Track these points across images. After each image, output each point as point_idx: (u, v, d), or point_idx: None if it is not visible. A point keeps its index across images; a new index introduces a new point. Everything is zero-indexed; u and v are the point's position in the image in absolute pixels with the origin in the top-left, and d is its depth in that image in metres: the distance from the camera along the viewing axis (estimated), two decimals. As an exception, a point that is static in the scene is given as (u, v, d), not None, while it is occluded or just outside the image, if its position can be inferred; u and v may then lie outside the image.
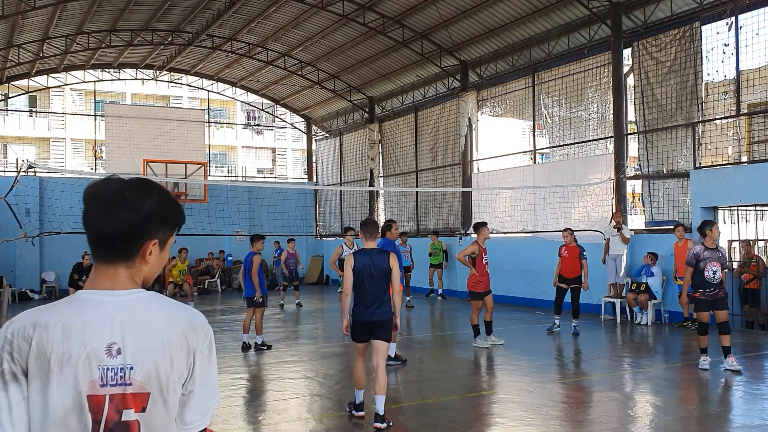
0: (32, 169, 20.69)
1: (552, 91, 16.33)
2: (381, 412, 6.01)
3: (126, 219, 1.66)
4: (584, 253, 11.71)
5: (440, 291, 18.37)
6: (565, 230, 12.08)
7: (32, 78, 23.49)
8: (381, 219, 23.84)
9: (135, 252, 1.70)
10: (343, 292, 6.35)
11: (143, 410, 1.65)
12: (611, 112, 14.58)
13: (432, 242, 18.28)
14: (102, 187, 1.70)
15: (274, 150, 40.51)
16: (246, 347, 10.49)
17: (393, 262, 6.28)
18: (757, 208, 13.47)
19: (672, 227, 13.36)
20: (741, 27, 12.32)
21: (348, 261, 6.23)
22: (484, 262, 10.28)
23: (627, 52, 14.50)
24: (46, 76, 23.79)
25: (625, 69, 14.58)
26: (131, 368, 1.63)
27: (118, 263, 1.70)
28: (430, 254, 18.35)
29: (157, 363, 1.66)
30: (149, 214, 1.69)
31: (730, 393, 7.64)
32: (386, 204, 23.68)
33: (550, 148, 16.69)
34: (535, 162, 17.14)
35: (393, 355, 8.96)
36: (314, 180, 28.07)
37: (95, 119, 25.43)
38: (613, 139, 14.51)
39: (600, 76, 14.98)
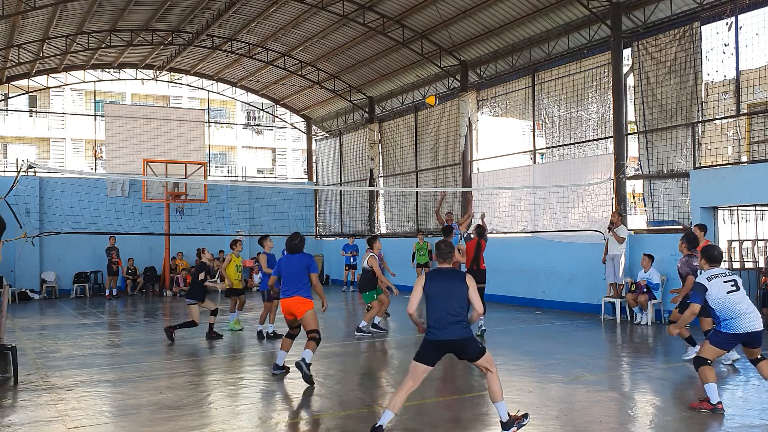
0: (32, 169, 20.68)
1: (552, 91, 16.32)
2: (505, 418, 5.79)
3: None
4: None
5: None
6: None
7: (32, 78, 23.50)
8: (381, 219, 23.85)
9: None
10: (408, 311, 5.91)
11: None
12: (611, 112, 14.58)
13: (417, 241, 18.40)
14: None
15: (274, 150, 40.52)
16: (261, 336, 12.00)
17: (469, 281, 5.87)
18: (757, 208, 13.47)
19: (672, 227, 13.39)
20: (741, 27, 12.32)
21: (419, 281, 5.89)
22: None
23: (627, 52, 14.49)
24: (46, 76, 23.80)
25: (625, 69, 14.58)
26: None
27: None
28: (414, 253, 18.76)
29: None
30: None
31: (730, 393, 7.64)
32: (386, 204, 23.66)
33: (549, 148, 16.68)
34: (534, 162, 17.14)
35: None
36: (314, 180, 28.07)
37: (95, 119, 25.44)
38: (613, 139, 14.51)
39: (600, 76, 14.97)
